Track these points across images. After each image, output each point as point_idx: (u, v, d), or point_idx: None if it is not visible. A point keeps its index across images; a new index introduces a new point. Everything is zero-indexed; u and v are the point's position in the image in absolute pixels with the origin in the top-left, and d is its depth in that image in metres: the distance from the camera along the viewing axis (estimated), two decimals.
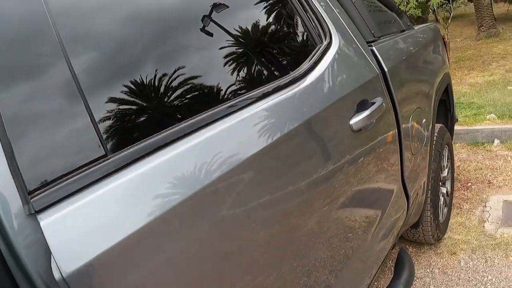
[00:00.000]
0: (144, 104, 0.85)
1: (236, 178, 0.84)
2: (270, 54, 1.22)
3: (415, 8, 7.51)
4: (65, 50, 0.71)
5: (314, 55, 1.23)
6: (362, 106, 1.25)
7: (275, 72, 1.13)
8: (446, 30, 8.07)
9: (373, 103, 1.29)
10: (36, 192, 0.63)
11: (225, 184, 0.82)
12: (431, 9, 8.55)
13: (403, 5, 7.82)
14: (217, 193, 0.81)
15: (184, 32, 1.00)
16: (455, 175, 3.18)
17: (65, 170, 0.66)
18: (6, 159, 0.62)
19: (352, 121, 1.20)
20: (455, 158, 3.81)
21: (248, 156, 0.87)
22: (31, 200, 0.62)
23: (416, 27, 2.70)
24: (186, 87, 0.92)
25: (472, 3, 11.08)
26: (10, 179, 0.62)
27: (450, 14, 8.38)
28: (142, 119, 0.84)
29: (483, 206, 3.05)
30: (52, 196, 0.64)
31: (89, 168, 0.68)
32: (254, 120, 0.93)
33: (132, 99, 0.82)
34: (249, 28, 1.16)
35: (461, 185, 3.41)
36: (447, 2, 8.19)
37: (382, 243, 1.56)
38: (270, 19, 1.29)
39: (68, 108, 0.71)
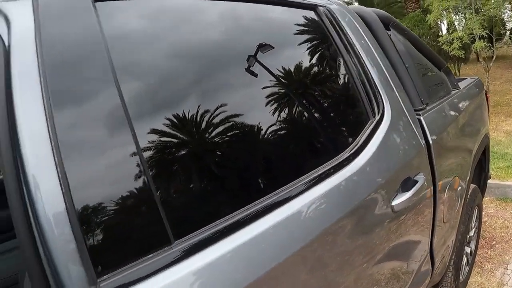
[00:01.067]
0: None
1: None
2: (320, 134, 1.22)
3: (458, 49, 7.44)
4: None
5: (364, 132, 1.24)
6: (405, 184, 1.27)
7: (322, 156, 1.14)
8: (487, 73, 7.92)
9: (416, 181, 1.31)
10: (103, 276, 0.66)
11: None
12: (474, 51, 8.37)
13: (447, 45, 7.73)
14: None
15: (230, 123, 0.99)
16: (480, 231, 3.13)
17: (133, 256, 0.70)
18: (76, 242, 0.64)
19: (394, 203, 1.21)
20: (483, 213, 3.74)
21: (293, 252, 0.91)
22: (98, 281, 0.65)
23: (462, 83, 2.67)
24: (232, 177, 0.96)
25: None
26: (79, 260, 0.63)
27: (493, 57, 8.19)
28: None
29: (504, 268, 3.00)
30: (118, 280, 0.67)
31: (155, 256, 0.71)
32: (305, 211, 0.96)
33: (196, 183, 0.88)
34: (304, 110, 1.18)
35: (485, 242, 3.36)
36: (490, 45, 8.04)
37: None
38: (327, 92, 1.32)
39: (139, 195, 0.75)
